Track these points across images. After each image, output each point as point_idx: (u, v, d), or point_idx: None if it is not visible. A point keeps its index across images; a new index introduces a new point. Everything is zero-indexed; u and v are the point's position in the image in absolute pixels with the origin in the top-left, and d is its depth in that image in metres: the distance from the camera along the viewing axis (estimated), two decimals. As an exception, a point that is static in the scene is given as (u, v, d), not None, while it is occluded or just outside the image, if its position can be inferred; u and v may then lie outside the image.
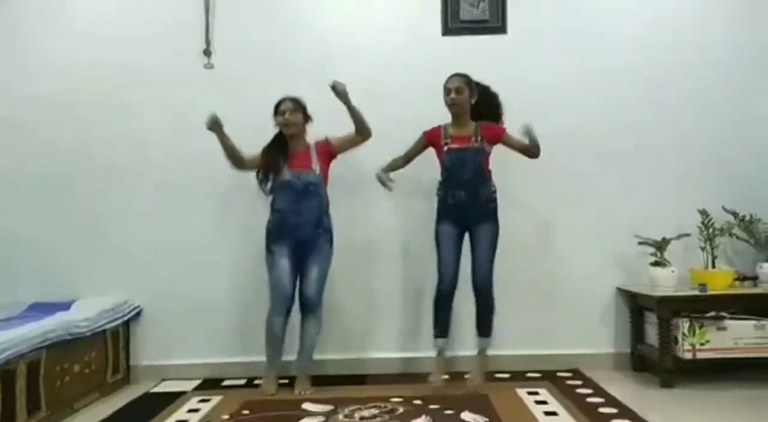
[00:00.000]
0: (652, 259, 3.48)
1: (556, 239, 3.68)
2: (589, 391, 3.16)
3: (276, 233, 3.27)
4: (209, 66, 3.78)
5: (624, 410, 2.85)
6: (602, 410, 2.85)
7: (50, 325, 2.95)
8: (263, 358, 3.33)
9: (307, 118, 3.37)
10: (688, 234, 3.51)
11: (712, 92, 3.72)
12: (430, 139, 3.30)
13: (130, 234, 3.69)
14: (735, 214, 3.54)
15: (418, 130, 3.41)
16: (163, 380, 3.58)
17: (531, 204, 3.69)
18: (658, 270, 3.43)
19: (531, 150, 3.21)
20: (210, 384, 3.44)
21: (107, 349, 3.45)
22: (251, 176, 3.46)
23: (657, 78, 3.73)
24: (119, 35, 3.78)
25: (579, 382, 3.33)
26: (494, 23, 3.79)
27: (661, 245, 3.46)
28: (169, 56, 3.77)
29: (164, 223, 3.68)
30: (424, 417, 2.79)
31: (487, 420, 2.73)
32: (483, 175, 3.21)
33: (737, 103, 3.72)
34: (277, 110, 3.33)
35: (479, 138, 3.20)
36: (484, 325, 3.24)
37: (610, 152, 3.70)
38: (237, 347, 3.64)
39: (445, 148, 3.21)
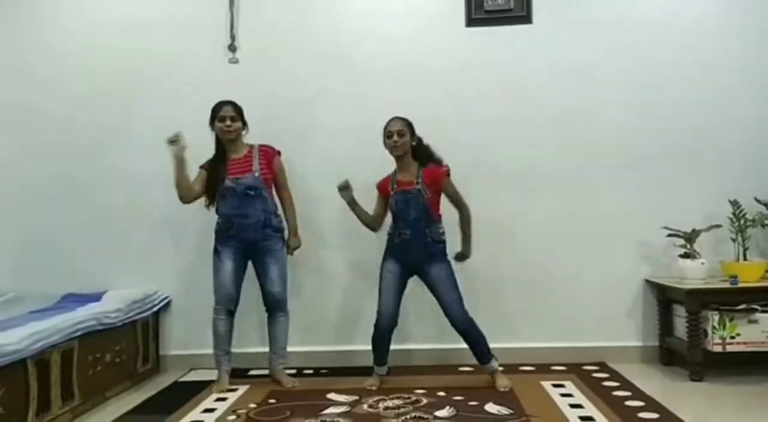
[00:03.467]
0: (682, 251, 3.42)
1: (583, 230, 3.64)
2: (616, 384, 3.14)
3: (224, 236, 3.28)
4: (234, 61, 3.81)
5: (651, 403, 2.82)
6: (629, 403, 2.83)
7: (82, 316, 3.03)
8: (290, 348, 3.38)
9: (244, 123, 3.34)
10: (718, 226, 3.44)
11: (743, 82, 3.62)
12: (381, 189, 3.30)
13: (159, 227, 3.76)
14: (767, 205, 3.45)
15: (439, 121, 3.43)
16: (192, 369, 3.65)
17: (559, 195, 3.65)
18: (688, 262, 3.37)
19: (463, 217, 3.23)
20: (237, 374, 3.49)
21: (137, 339, 3.53)
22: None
23: (688, 66, 3.65)
24: (143, 31, 3.83)
25: (605, 375, 3.30)
26: (519, 12, 3.74)
27: (690, 236, 3.40)
28: (194, 51, 3.81)
29: (192, 215, 3.70)
30: (448, 408, 2.80)
31: (511, 411, 2.73)
32: (429, 216, 3.16)
33: (768, 92, 3.62)
34: (216, 115, 3.27)
35: (420, 181, 3.18)
36: (482, 354, 3.16)
37: (639, 143, 3.64)
38: (263, 337, 3.68)
39: (392, 192, 3.22)
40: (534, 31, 3.71)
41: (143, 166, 3.78)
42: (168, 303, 3.76)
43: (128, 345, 3.43)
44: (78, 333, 2.93)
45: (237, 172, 3.26)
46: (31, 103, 3.85)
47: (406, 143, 3.20)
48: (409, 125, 3.22)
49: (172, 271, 3.76)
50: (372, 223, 3.37)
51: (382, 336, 3.20)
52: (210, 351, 3.38)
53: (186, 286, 3.74)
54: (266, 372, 3.45)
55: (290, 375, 3.38)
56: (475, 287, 3.54)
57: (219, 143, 3.34)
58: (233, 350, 3.39)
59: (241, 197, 3.22)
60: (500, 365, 3.20)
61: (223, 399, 3.06)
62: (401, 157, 3.22)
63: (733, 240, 3.44)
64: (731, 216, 3.42)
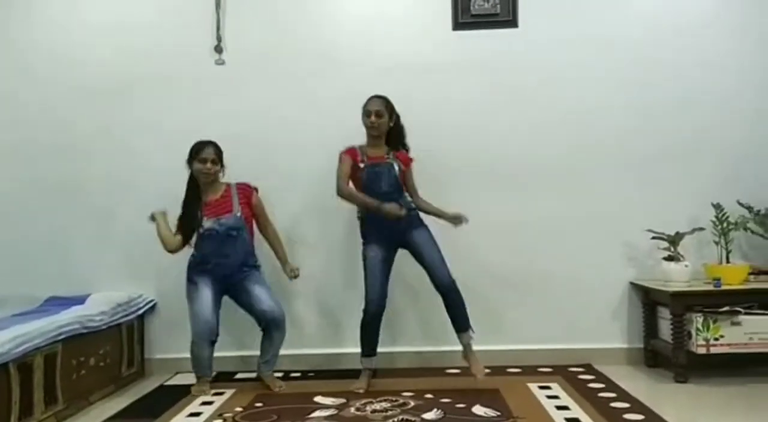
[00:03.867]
0: (666, 254, 3.46)
1: (569, 233, 3.66)
2: (602, 386, 3.16)
3: (199, 270, 3.26)
4: (220, 62, 3.79)
5: (636, 405, 2.84)
6: (614, 405, 2.85)
7: (66, 319, 2.99)
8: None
9: (222, 165, 3.32)
10: (702, 229, 3.48)
11: (727, 87, 3.67)
12: (352, 156, 3.23)
13: (144, 230, 3.70)
14: (750, 208, 3.50)
15: (427, 124, 3.44)
16: (177, 373, 3.62)
17: (544, 198, 3.67)
18: (672, 264, 3.40)
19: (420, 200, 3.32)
20: (223, 377, 3.47)
21: (122, 343, 3.49)
22: (264, 172, 3.48)
23: (670, 73, 3.69)
24: (129, 32, 3.80)
25: (591, 377, 3.33)
26: (505, 17, 3.77)
27: (674, 239, 3.43)
28: (180, 52, 3.79)
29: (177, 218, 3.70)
30: (435, 410, 2.80)
31: (498, 413, 2.74)
32: (399, 188, 3.22)
33: (752, 97, 3.66)
34: (197, 156, 3.25)
35: (392, 155, 3.24)
36: (462, 319, 3.15)
37: (623, 146, 3.68)
38: (250, 340, 3.66)
39: (362, 165, 3.20)
40: (520, 35, 3.74)
41: (129, 169, 3.76)
42: (153, 307, 3.73)
43: (113, 348, 3.39)
44: (62, 337, 2.89)
45: (217, 213, 3.25)
46: (12, 103, 3.80)
47: (384, 123, 3.21)
48: (388, 105, 3.22)
49: (157, 275, 3.71)
50: (354, 191, 3.24)
51: (371, 321, 3.16)
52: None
53: (171, 290, 3.69)
54: (252, 375, 3.44)
55: (278, 378, 3.36)
56: (460, 289, 3.55)
57: (193, 181, 3.31)
58: (219, 354, 3.36)
59: (223, 238, 3.22)
60: (486, 367, 3.20)
61: (209, 403, 3.04)
62: (375, 137, 3.24)
63: (717, 243, 3.48)
64: (714, 219, 3.46)
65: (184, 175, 3.52)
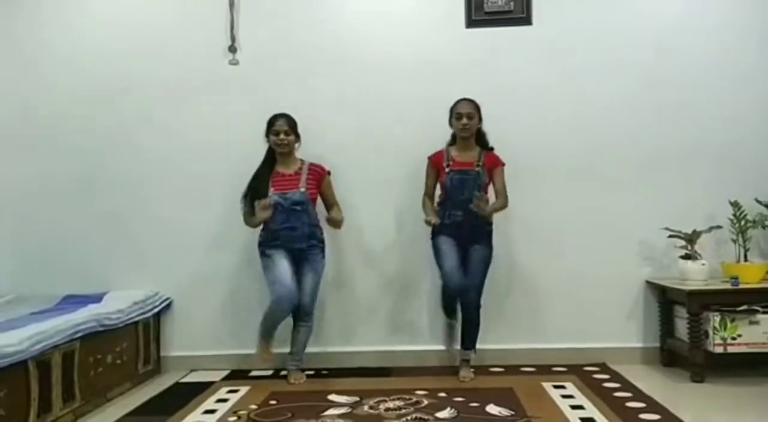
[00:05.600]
0: (682, 252, 3.42)
1: (584, 232, 3.64)
2: (617, 385, 3.13)
3: (270, 244, 3.32)
4: (234, 62, 3.81)
5: (652, 404, 2.81)
6: (630, 404, 2.83)
7: (83, 317, 3.02)
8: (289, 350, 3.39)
9: (298, 136, 3.40)
10: (719, 227, 3.44)
11: (745, 84, 3.62)
12: (435, 163, 3.33)
13: (161, 229, 3.76)
14: (768, 206, 3.46)
15: (441, 122, 3.40)
16: (192, 370, 3.65)
17: (560, 196, 3.65)
18: (689, 263, 3.37)
19: (499, 204, 3.29)
20: (238, 375, 3.50)
21: (138, 340, 3.52)
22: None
23: (687, 70, 3.65)
24: (143, 32, 3.83)
25: (606, 376, 3.30)
26: (519, 14, 3.74)
27: (691, 238, 3.40)
28: (194, 52, 3.80)
29: (194, 217, 3.73)
30: (449, 409, 2.79)
31: (512, 413, 2.73)
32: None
33: (768, 93, 3.62)
34: (271, 128, 3.35)
35: (481, 164, 3.25)
36: (469, 340, 3.29)
37: (639, 144, 3.65)
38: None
39: (447, 170, 3.25)
40: (534, 33, 3.71)
41: (144, 168, 3.79)
42: (169, 305, 3.76)
43: (129, 346, 3.43)
44: (79, 334, 2.92)
45: (284, 188, 3.32)
46: (31, 103, 3.85)
47: (475, 125, 3.26)
48: (477, 108, 3.28)
49: (174, 273, 3.74)
50: (427, 202, 3.34)
51: (453, 294, 3.20)
52: (211, 352, 3.41)
53: (187, 288, 3.74)
54: (267, 373, 3.46)
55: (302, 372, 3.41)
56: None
57: (270, 154, 3.40)
58: (234, 351, 3.40)
59: (288, 212, 3.29)
60: (501, 366, 3.20)
61: (224, 401, 3.06)
62: (467, 139, 3.27)
63: (734, 241, 3.44)
64: (732, 217, 3.42)
65: (198, 173, 3.55)
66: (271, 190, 3.32)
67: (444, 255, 3.21)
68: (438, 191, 3.37)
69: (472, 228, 3.21)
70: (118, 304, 3.36)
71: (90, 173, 3.80)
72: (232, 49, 3.82)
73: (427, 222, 3.18)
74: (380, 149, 3.67)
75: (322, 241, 3.40)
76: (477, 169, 3.24)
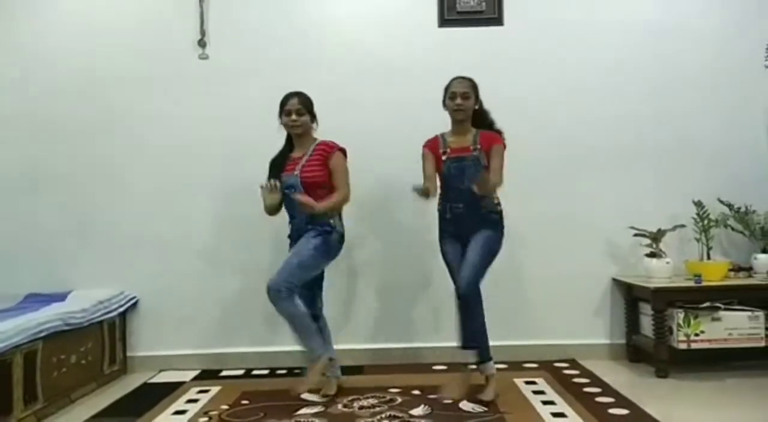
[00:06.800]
0: (648, 250, 3.50)
1: (552, 230, 3.69)
2: (586, 381, 3.19)
3: (289, 234, 3.09)
4: (204, 56, 3.75)
5: (620, 399, 2.87)
6: (599, 399, 2.88)
7: (46, 316, 2.94)
8: (262, 348, 3.35)
9: (314, 116, 3.09)
10: (683, 226, 3.54)
11: (710, 85, 3.73)
12: (432, 149, 3.03)
13: (126, 227, 3.67)
14: (730, 206, 3.56)
15: (413, 122, 3.40)
16: (161, 370, 3.57)
17: (526, 195, 3.67)
18: (653, 261, 3.45)
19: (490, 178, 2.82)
20: (208, 375, 3.44)
21: (104, 340, 3.44)
22: (245, 168, 3.44)
23: (653, 72, 3.74)
24: (112, 27, 3.75)
25: (576, 372, 3.36)
26: (490, 14, 3.78)
27: (656, 236, 3.48)
28: (164, 47, 3.73)
29: (161, 215, 3.66)
30: (423, 406, 2.80)
31: (485, 409, 2.75)
32: None
33: (733, 96, 3.72)
34: (282, 108, 3.06)
35: (478, 146, 2.95)
36: (464, 336, 2.88)
37: (605, 144, 3.72)
38: (235, 337, 3.64)
39: (444, 157, 2.96)
40: (505, 33, 3.75)
41: (112, 165, 3.70)
42: (135, 304, 3.67)
43: (94, 345, 3.34)
44: (42, 334, 2.84)
45: (289, 170, 3.03)
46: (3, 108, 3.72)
47: (470, 107, 2.96)
48: (474, 87, 2.98)
49: (140, 271, 3.67)
50: (430, 188, 2.86)
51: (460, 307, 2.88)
52: (179, 351, 3.36)
53: (154, 286, 3.66)
54: (239, 372, 3.42)
55: (262, 376, 3.36)
56: (445, 287, 3.54)
57: (289, 136, 3.12)
58: (204, 351, 3.33)
59: (287, 198, 3.01)
60: (474, 363, 3.19)
61: (195, 401, 3.01)
62: (462, 121, 2.98)
63: (697, 240, 3.54)
64: (695, 216, 3.52)
65: (166, 170, 3.47)
66: (283, 174, 3.02)
67: (452, 266, 2.96)
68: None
69: (475, 219, 2.90)
70: (82, 303, 3.27)
71: (54, 170, 3.69)
72: (202, 43, 3.75)
73: (418, 191, 2.76)
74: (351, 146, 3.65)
75: (324, 224, 2.95)
76: (474, 152, 2.93)
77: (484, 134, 2.98)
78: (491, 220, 2.95)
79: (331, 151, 3.03)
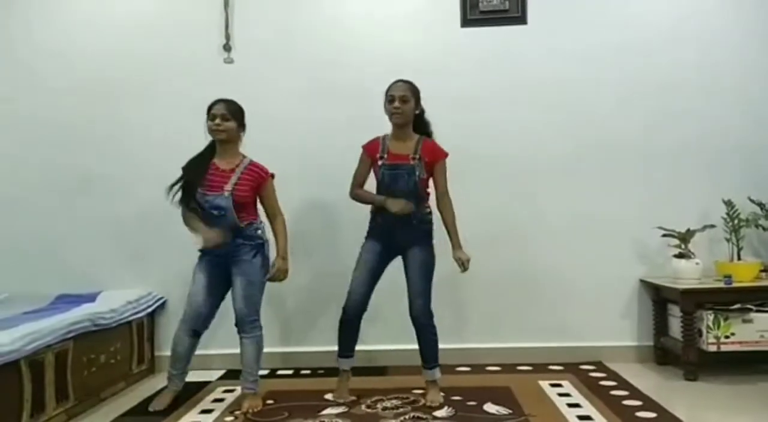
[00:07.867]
0: (676, 251, 3.44)
1: (579, 231, 3.65)
2: (613, 384, 3.15)
3: (199, 256, 3.01)
4: (229, 61, 3.79)
5: (648, 402, 2.83)
6: (626, 402, 2.84)
7: (77, 317, 3.00)
8: (286, 349, 3.35)
9: (241, 126, 2.98)
10: (713, 226, 3.47)
11: (739, 83, 3.66)
12: (369, 152, 2.95)
13: (154, 228, 3.72)
14: (761, 205, 3.48)
15: (435, 121, 3.35)
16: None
17: (555, 195, 3.67)
18: (682, 262, 3.39)
19: (447, 210, 2.93)
20: (234, 375, 3.45)
21: (132, 340, 3.50)
22: (272, 169, 3.47)
23: (682, 68, 3.68)
24: (138, 31, 3.81)
25: (602, 375, 3.32)
26: (514, 13, 3.75)
27: (685, 236, 3.42)
28: (188, 51, 3.79)
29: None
30: (446, 408, 2.80)
31: (510, 411, 2.73)
32: (417, 195, 2.87)
33: (765, 94, 3.64)
34: (208, 113, 2.94)
35: (417, 156, 2.86)
36: (426, 356, 2.91)
37: (633, 143, 3.67)
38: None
39: (380, 162, 2.88)
40: (529, 32, 3.73)
41: (138, 167, 3.76)
42: (163, 304, 3.74)
43: (123, 345, 3.40)
44: (72, 334, 2.90)
45: (212, 185, 2.89)
46: (26, 103, 3.81)
47: (409, 111, 2.87)
48: (414, 91, 2.89)
49: (167, 272, 3.71)
50: (360, 192, 2.97)
51: (350, 322, 2.91)
52: (206, 351, 3.37)
53: (181, 287, 3.67)
54: (264, 372, 3.44)
55: (286, 376, 3.36)
56: (471, 288, 3.56)
57: (212, 143, 3.00)
58: (229, 351, 3.36)
59: (210, 216, 2.88)
60: (497, 365, 3.19)
61: (221, 400, 3.05)
62: (401, 125, 2.89)
63: (728, 240, 3.47)
64: (725, 216, 3.45)
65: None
66: (200, 189, 2.89)
67: (356, 271, 2.91)
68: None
69: (405, 228, 2.85)
70: (111, 304, 3.33)
71: (84, 172, 3.77)
72: (227, 47, 3.80)
73: (403, 212, 2.80)
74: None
75: (253, 237, 2.92)
76: (412, 162, 2.84)
77: (427, 143, 2.92)
78: (423, 232, 2.90)
79: (266, 177, 2.99)
